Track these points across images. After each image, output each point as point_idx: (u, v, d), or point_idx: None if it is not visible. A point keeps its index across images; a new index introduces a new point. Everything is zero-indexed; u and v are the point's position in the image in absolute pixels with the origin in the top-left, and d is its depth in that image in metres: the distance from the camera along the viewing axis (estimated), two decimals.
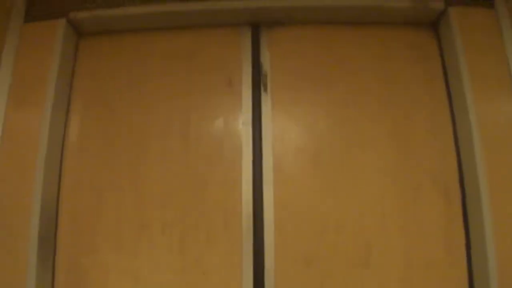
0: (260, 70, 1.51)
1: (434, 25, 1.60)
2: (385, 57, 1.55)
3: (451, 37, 1.51)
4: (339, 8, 1.51)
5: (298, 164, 1.44)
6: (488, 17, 1.53)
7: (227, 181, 1.42)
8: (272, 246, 1.37)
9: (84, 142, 1.51)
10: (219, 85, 1.51)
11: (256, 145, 1.44)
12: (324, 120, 1.47)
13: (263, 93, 1.48)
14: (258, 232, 1.39)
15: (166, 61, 1.55)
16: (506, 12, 1.53)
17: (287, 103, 1.49)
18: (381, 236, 1.40)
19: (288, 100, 1.49)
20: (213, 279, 1.37)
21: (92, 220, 1.45)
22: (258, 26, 1.57)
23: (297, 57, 1.53)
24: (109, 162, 1.47)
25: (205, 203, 1.41)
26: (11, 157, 1.42)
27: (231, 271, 1.37)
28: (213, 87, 1.51)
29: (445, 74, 1.55)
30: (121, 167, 1.46)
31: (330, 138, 1.46)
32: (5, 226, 1.37)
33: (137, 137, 1.48)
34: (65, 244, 1.44)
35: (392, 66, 1.54)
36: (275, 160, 1.43)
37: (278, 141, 1.45)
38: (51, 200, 1.45)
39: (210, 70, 1.53)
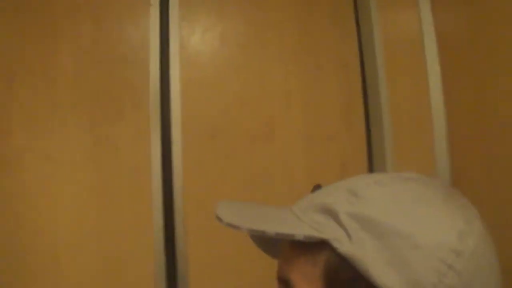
0: None
1: None
2: None
3: None
4: None
5: (204, 43, 1.49)
6: None
7: (135, 60, 1.46)
8: (178, 120, 1.43)
9: None
10: None
11: (164, 26, 1.48)
12: (231, 2, 1.52)
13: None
14: (165, 108, 1.44)
15: None
16: None
17: (194, 12, 1.53)
18: (284, 112, 1.48)
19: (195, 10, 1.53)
20: (124, 154, 1.42)
21: (6, 105, 1.47)
22: None
23: None
24: (21, 48, 1.48)
25: (114, 82, 1.45)
26: None
27: (141, 146, 1.42)
28: None
29: None
30: (32, 52, 1.47)
31: (236, 19, 1.51)
32: None
33: (47, 19, 1.49)
34: None
35: None
36: (182, 40, 1.47)
37: (185, 22, 1.49)
38: None
39: None
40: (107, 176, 1.42)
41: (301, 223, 0.45)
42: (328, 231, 0.43)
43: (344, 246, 0.41)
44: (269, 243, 0.57)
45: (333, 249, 0.42)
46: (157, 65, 1.45)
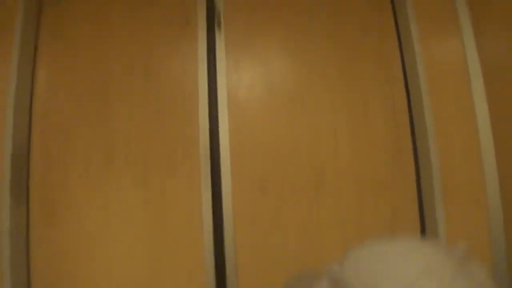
0: (214, 9, 1.58)
1: None
2: None
3: None
4: None
5: (252, 94, 1.52)
6: None
7: (185, 113, 1.50)
8: (228, 173, 1.45)
9: (51, 85, 1.59)
10: (177, 24, 1.58)
11: (212, 78, 1.52)
12: (277, 53, 1.55)
13: (217, 30, 1.55)
14: (215, 159, 1.46)
15: (127, 4, 1.63)
16: None
17: (241, 39, 1.56)
18: (333, 158, 1.47)
19: (242, 36, 1.56)
20: (175, 206, 1.45)
21: (62, 156, 1.53)
22: None
23: None
24: (77, 101, 1.55)
25: (166, 134, 1.49)
26: None
27: (192, 198, 1.45)
28: (172, 27, 1.58)
29: (393, 5, 1.61)
30: (88, 105, 1.54)
31: (283, 69, 1.54)
32: None
33: (103, 76, 1.56)
34: (38, 182, 1.52)
35: None
36: (229, 92, 1.50)
37: (232, 74, 1.53)
38: (22, 142, 1.53)
39: (168, 11, 1.60)
40: (160, 228, 1.45)
41: None
42: None
43: None
44: None
45: None
46: (206, 116, 1.48)
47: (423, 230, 1.45)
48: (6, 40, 1.55)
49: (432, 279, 0.48)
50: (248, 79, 1.53)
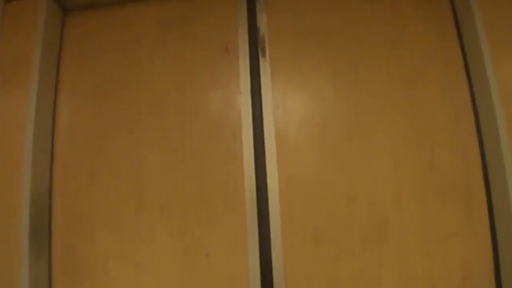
0: (257, 35, 1.40)
1: None
2: (392, 14, 1.42)
3: None
4: None
5: (303, 133, 1.33)
6: None
7: (228, 155, 1.32)
8: (278, 224, 1.27)
9: (75, 123, 1.42)
10: (215, 53, 1.40)
11: (256, 114, 1.34)
12: (330, 85, 1.35)
13: (261, 59, 1.37)
14: (262, 208, 1.28)
15: (158, 30, 1.45)
16: None
17: (287, 68, 1.38)
18: (397, 208, 1.29)
19: (289, 65, 1.38)
20: (217, 262, 1.27)
21: (87, 204, 1.36)
22: None
23: (296, 17, 1.41)
24: (103, 143, 1.38)
25: (205, 180, 1.31)
26: None
27: (236, 252, 1.27)
28: (209, 55, 1.40)
29: (458, 30, 1.42)
30: (115, 147, 1.37)
31: (337, 105, 1.34)
32: None
33: (131, 113, 1.39)
34: (60, 231, 1.36)
35: (400, 23, 1.41)
36: (277, 130, 1.32)
37: (280, 109, 1.34)
38: (43, 186, 1.37)
39: (205, 37, 1.42)
40: (199, 286, 1.27)
41: None
42: None
43: None
44: None
45: None
46: (252, 160, 1.30)
47: None
48: (25, 73, 1.38)
49: None
50: (298, 114, 1.34)
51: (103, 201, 1.35)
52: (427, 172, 1.31)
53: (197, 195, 1.31)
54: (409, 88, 1.35)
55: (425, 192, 1.30)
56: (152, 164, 1.35)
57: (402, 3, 1.44)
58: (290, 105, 1.35)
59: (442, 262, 1.27)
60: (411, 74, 1.38)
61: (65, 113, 1.45)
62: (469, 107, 1.36)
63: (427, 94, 1.35)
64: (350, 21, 1.41)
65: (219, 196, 1.30)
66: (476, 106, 1.35)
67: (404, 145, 1.32)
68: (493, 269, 1.29)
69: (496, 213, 1.30)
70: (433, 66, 1.38)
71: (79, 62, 1.48)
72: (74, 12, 1.53)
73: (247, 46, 1.39)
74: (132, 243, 1.31)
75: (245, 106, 1.34)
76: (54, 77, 1.47)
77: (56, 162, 1.40)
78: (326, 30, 1.40)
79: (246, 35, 1.40)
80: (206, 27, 1.43)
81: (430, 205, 1.29)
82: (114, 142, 1.38)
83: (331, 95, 1.35)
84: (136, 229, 1.31)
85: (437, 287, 1.25)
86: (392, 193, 1.30)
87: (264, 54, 1.37)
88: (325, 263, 1.27)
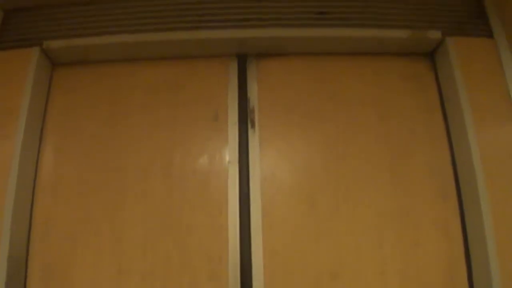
0: (247, 105, 1.41)
1: (431, 55, 1.52)
2: (381, 89, 1.47)
3: (449, 66, 1.44)
4: (333, 38, 1.42)
5: (290, 206, 1.33)
6: (486, 46, 1.47)
7: (213, 226, 1.31)
8: None
9: (57, 181, 1.39)
10: (204, 119, 1.41)
11: (243, 185, 1.34)
12: (318, 157, 1.37)
13: (250, 129, 1.38)
14: (246, 282, 1.27)
15: (148, 94, 1.45)
16: (505, 41, 1.46)
17: (276, 140, 1.39)
18: (380, 285, 1.30)
19: (278, 136, 1.39)
20: None
21: (66, 267, 1.32)
22: (245, 57, 1.47)
23: (287, 90, 1.44)
24: (85, 203, 1.35)
25: (188, 250, 1.30)
26: None
27: None
28: (198, 122, 1.41)
29: (443, 105, 1.47)
30: (98, 209, 1.34)
31: (324, 177, 1.36)
32: None
33: (116, 176, 1.37)
34: None
35: (388, 98, 1.46)
36: (264, 202, 1.32)
37: (267, 181, 1.35)
38: (20, 245, 1.32)
39: (195, 103, 1.43)
40: None
41: None
42: None
43: None
44: None
45: None
46: (237, 233, 1.29)
47: None
48: (11, 123, 1.35)
49: None
50: (286, 186, 1.35)
51: (82, 263, 1.31)
52: (411, 249, 1.32)
53: (180, 264, 1.29)
54: (394, 161, 1.38)
55: (409, 268, 1.31)
56: (135, 228, 1.32)
57: (389, 79, 1.48)
58: (278, 177, 1.36)
59: None
60: (397, 147, 1.42)
61: (48, 168, 1.42)
62: (452, 183, 1.39)
63: (412, 168, 1.39)
64: (339, 95, 1.44)
65: (202, 268, 1.28)
66: (459, 183, 1.39)
67: (390, 221, 1.34)
68: None
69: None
70: (418, 139, 1.42)
71: (65, 118, 1.45)
72: (63, 66, 1.51)
73: (236, 114, 1.40)
74: None
75: (232, 176, 1.34)
76: (39, 131, 1.44)
77: (35, 221, 1.36)
78: (315, 103, 1.42)
79: (236, 103, 1.41)
80: (196, 93, 1.43)
81: (413, 282, 1.31)
82: (97, 204, 1.35)
83: (318, 167, 1.37)
84: None
85: None
86: (376, 268, 1.30)
87: (253, 125, 1.38)
88: None
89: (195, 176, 1.36)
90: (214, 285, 1.27)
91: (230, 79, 1.45)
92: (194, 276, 1.28)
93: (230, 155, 1.36)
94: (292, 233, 1.31)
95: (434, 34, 1.44)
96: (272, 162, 1.37)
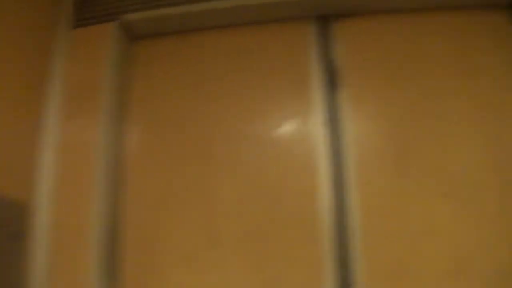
0: (331, 67, 1.38)
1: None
2: (465, 45, 1.40)
3: None
4: None
5: (383, 166, 1.30)
6: None
7: (305, 190, 1.29)
8: (359, 260, 1.23)
9: (145, 153, 1.40)
10: (289, 82, 1.39)
11: (334, 147, 1.31)
12: (407, 118, 1.33)
13: (336, 90, 1.36)
14: (342, 243, 1.25)
15: (228, 60, 1.44)
16: None
17: (363, 101, 1.36)
18: (478, 242, 1.24)
19: (366, 98, 1.36)
20: None
21: (157, 237, 1.33)
22: (326, 18, 1.44)
23: (371, 50, 1.40)
24: (174, 173, 1.36)
25: (281, 213, 1.28)
26: (66, 171, 1.32)
27: None
28: (283, 86, 1.39)
29: None
30: (186, 178, 1.35)
31: (416, 137, 1.32)
32: (64, 246, 1.26)
33: (203, 143, 1.37)
34: (130, 264, 1.32)
35: (474, 54, 1.39)
36: (357, 162, 1.29)
37: (358, 141, 1.32)
38: (112, 217, 1.34)
39: (279, 67, 1.41)
40: None
41: None
42: None
43: None
44: None
45: None
46: (331, 192, 1.27)
47: None
48: (94, 101, 1.37)
49: None
50: (377, 147, 1.32)
51: (175, 233, 1.32)
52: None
53: (273, 229, 1.28)
54: (488, 120, 1.32)
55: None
56: (226, 196, 1.32)
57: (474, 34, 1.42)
58: (368, 136, 1.33)
59: None
60: (488, 105, 1.35)
61: (135, 143, 1.43)
62: None
63: (508, 126, 1.31)
64: (427, 52, 1.39)
65: (296, 231, 1.26)
66: None
67: (488, 177, 1.28)
68: None
69: None
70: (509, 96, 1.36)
71: (148, 89, 1.47)
72: (142, 39, 1.52)
73: (321, 76, 1.38)
74: (204, 279, 1.28)
75: (322, 138, 1.32)
76: (124, 105, 1.46)
77: (125, 193, 1.37)
78: (403, 62, 1.38)
79: (320, 66, 1.39)
80: (280, 57, 1.42)
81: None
82: (186, 173, 1.36)
83: (409, 127, 1.32)
84: (208, 264, 1.28)
85: None
86: (474, 227, 1.25)
87: (340, 86, 1.35)
88: None
89: (283, 140, 1.35)
90: (311, 249, 1.25)
91: (312, 40, 1.42)
92: (289, 239, 1.27)
93: (317, 116, 1.34)
94: (385, 193, 1.28)
95: None
96: (362, 122, 1.34)
